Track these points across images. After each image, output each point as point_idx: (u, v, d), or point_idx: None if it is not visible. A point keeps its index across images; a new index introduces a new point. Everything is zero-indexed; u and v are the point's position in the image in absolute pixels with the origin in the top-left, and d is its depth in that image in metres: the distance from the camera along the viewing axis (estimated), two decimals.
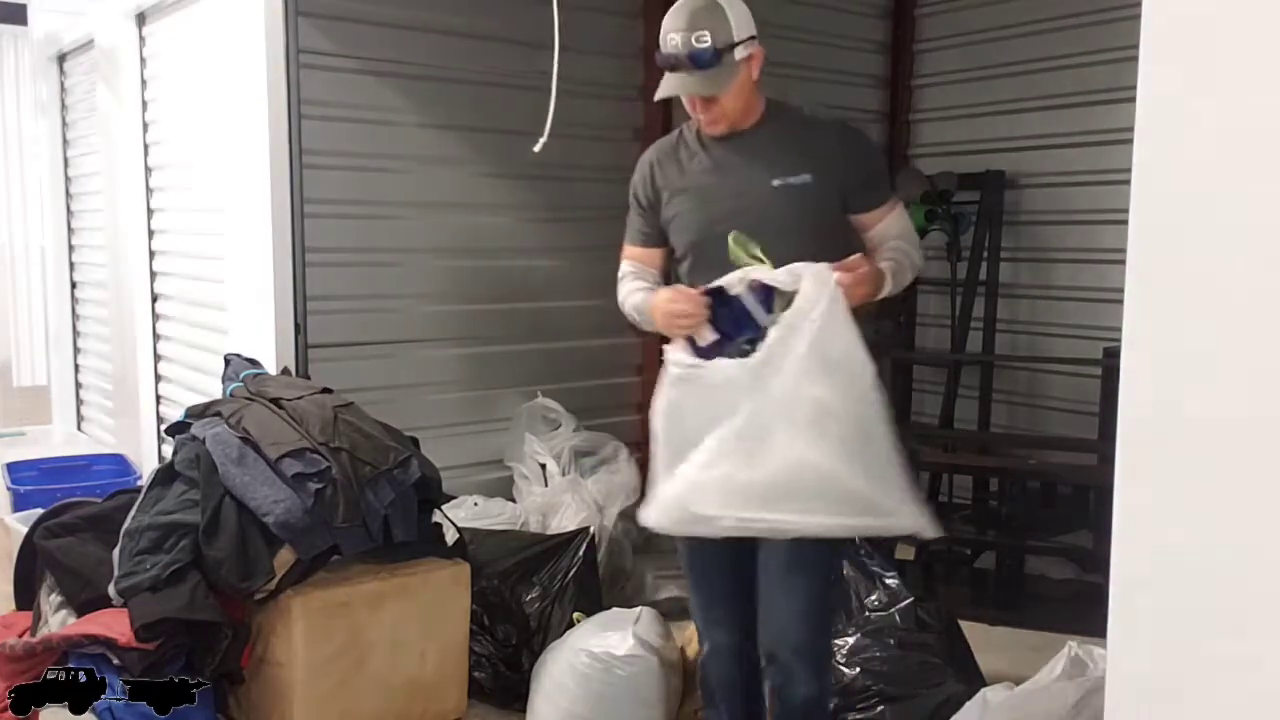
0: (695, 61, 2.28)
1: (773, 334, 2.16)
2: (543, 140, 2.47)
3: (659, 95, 2.35)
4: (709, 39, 2.27)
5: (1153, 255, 1.47)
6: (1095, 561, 4.12)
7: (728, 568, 2.50)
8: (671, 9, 2.34)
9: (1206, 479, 1.44)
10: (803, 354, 2.14)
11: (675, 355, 2.25)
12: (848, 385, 2.20)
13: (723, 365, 2.19)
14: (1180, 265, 1.44)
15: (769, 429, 2.13)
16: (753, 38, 2.34)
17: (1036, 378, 5.08)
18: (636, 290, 2.52)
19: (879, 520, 2.25)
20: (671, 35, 2.30)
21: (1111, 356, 4.16)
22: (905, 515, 2.26)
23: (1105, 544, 1.52)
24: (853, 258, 2.28)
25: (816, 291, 2.15)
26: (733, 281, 2.24)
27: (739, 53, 2.30)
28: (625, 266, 2.59)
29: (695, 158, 2.46)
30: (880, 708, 2.95)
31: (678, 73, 2.31)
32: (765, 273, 2.20)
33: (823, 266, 2.19)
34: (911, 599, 3.09)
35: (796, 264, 2.18)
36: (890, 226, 2.50)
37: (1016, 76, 5.00)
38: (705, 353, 2.27)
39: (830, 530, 2.22)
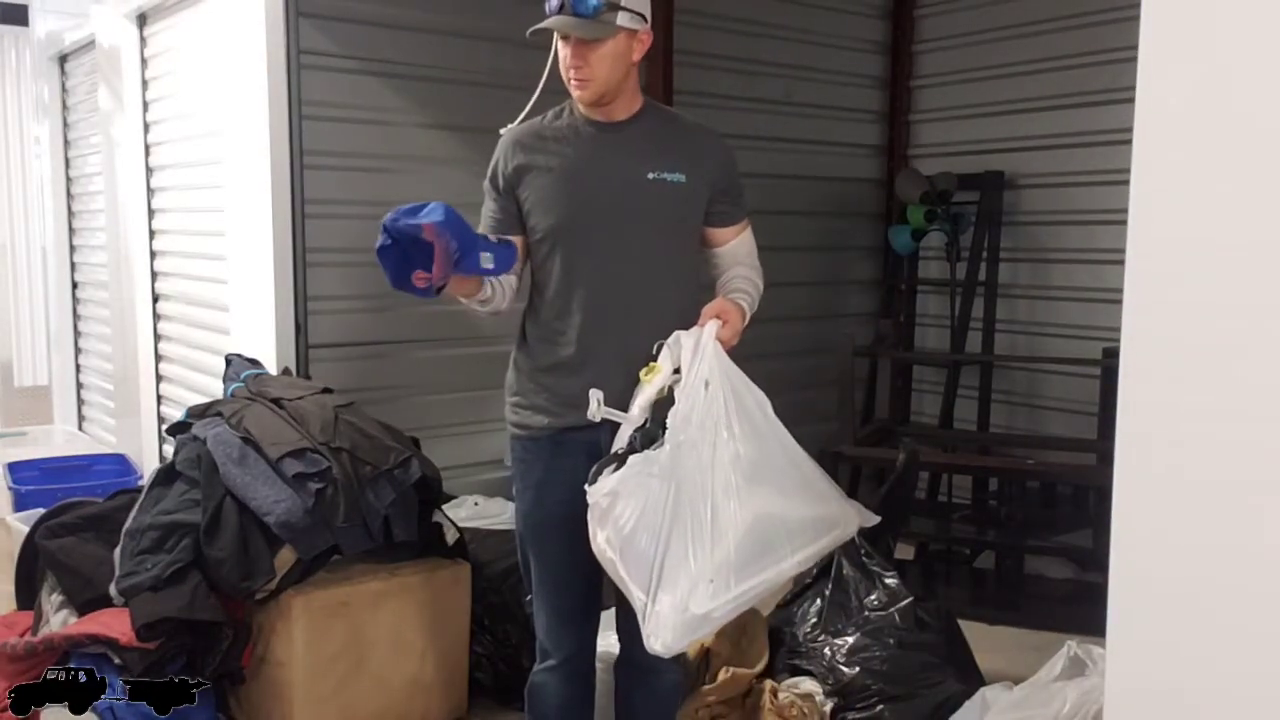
0: (576, 7, 2.23)
1: (671, 415, 2.16)
2: (512, 126, 2.45)
3: (531, 30, 2.28)
4: None
5: (1152, 255, 1.47)
6: (1095, 561, 4.12)
7: (586, 575, 2.42)
8: None
9: (1206, 479, 1.44)
10: (712, 420, 2.17)
11: (590, 489, 2.17)
12: (755, 424, 2.25)
13: (637, 466, 2.14)
14: (1180, 265, 1.45)
15: (713, 504, 2.16)
16: (644, 18, 2.31)
17: (1036, 378, 5.09)
18: None
19: (836, 531, 2.36)
20: None
21: (1111, 356, 4.17)
22: (851, 515, 2.37)
23: (1105, 544, 1.53)
24: (720, 305, 2.31)
25: (696, 356, 2.19)
26: (635, 418, 2.20)
27: (622, 18, 2.25)
28: None
29: (566, 141, 2.39)
30: (880, 707, 2.95)
31: (558, 16, 2.26)
32: (654, 383, 2.20)
33: (690, 331, 2.24)
34: (911, 599, 3.10)
35: (665, 347, 2.22)
36: (741, 247, 2.51)
37: (1016, 77, 5.01)
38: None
39: (805, 565, 2.30)
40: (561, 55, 2.31)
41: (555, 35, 2.30)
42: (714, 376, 2.19)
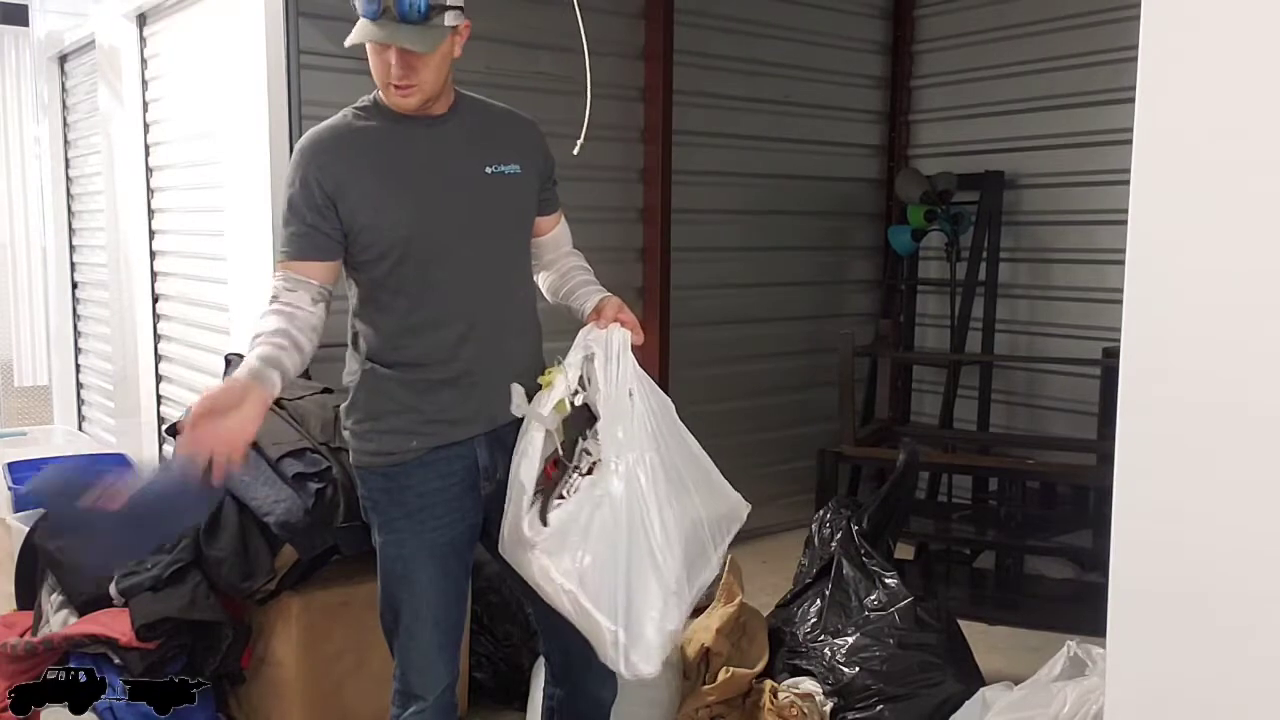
0: (403, 13, 2.01)
1: (603, 429, 2.08)
2: (580, 142, 2.39)
3: (351, 40, 2.05)
4: None
5: (1152, 255, 1.47)
6: (1095, 561, 4.12)
7: (459, 600, 2.31)
8: None
9: (1206, 478, 1.44)
10: (642, 430, 2.11)
11: (530, 528, 2.09)
12: (672, 429, 2.18)
13: (584, 491, 2.06)
14: (1180, 265, 1.45)
15: (660, 516, 2.09)
16: (461, 9, 2.12)
17: (1036, 378, 5.09)
18: (254, 350, 2.04)
19: (737, 523, 2.28)
20: None
21: (1111, 356, 4.17)
22: (742, 505, 2.29)
23: (1105, 544, 1.53)
24: (617, 306, 2.20)
25: (612, 364, 2.11)
26: (548, 418, 2.11)
27: (449, 17, 2.08)
28: (307, 291, 2.10)
29: (387, 143, 2.16)
30: (880, 707, 2.95)
31: (380, 22, 2.02)
32: (557, 386, 2.12)
33: (595, 337, 2.14)
34: (911, 599, 3.10)
35: (574, 352, 2.14)
36: (563, 233, 2.40)
37: (1016, 77, 5.00)
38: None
39: (722, 561, 2.25)
40: (378, 61, 2.09)
41: (365, 36, 2.05)
42: (635, 385, 2.12)
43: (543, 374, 2.16)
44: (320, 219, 2.11)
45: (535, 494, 2.11)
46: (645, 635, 2.07)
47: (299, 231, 2.12)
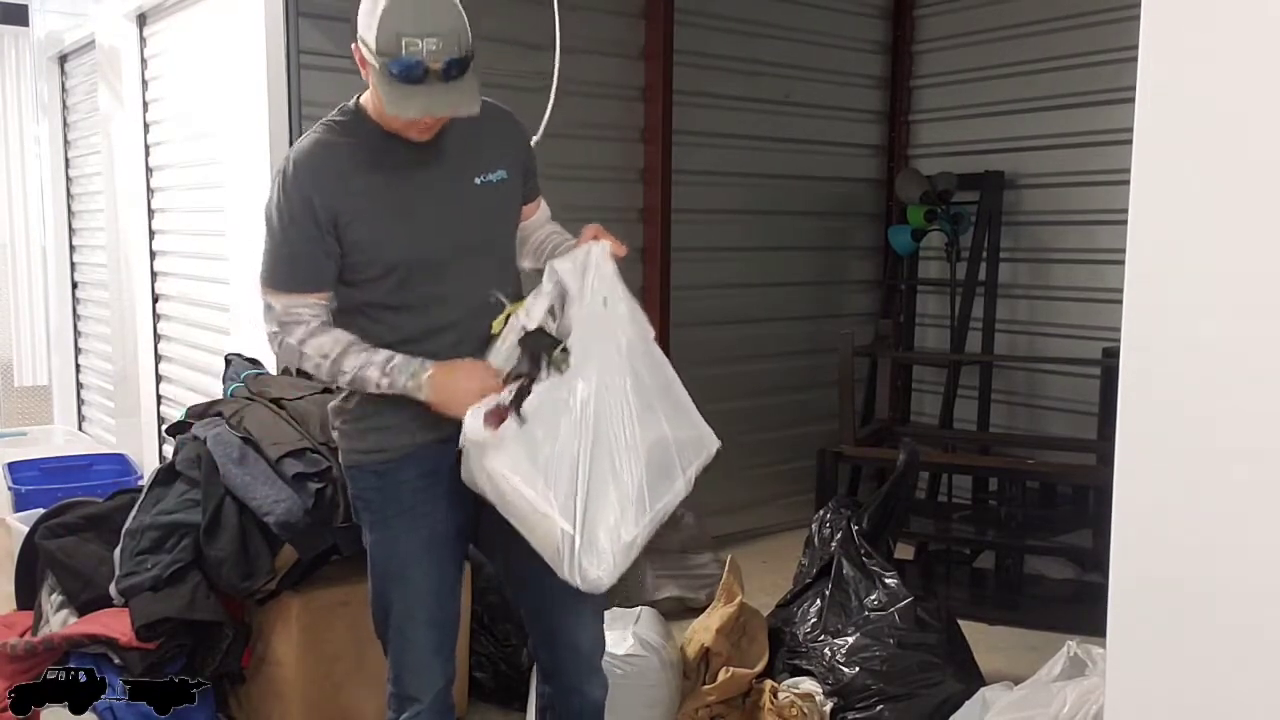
0: (449, 75, 1.99)
1: (573, 340, 2.07)
2: (535, 138, 2.42)
3: (401, 114, 2.02)
4: (466, 45, 2.03)
5: (1152, 255, 1.47)
6: (1095, 561, 4.12)
7: (454, 593, 2.29)
8: (388, 3, 2.01)
9: (1206, 479, 1.44)
10: (612, 340, 2.09)
11: (472, 425, 2.02)
12: (645, 346, 2.17)
13: (549, 390, 2.04)
14: (1180, 265, 1.45)
15: (624, 426, 2.08)
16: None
17: (1036, 378, 5.09)
18: (374, 358, 2.10)
19: (705, 451, 2.25)
20: (419, 40, 1.98)
21: (1111, 356, 4.17)
22: (711, 436, 2.27)
23: (1105, 544, 1.53)
24: (590, 227, 2.20)
25: (588, 274, 2.11)
26: (510, 348, 2.10)
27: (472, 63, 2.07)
28: (319, 324, 2.12)
29: (381, 163, 2.13)
30: (879, 707, 2.95)
31: (425, 85, 1.98)
32: (527, 313, 2.10)
33: (570, 255, 2.14)
34: (911, 598, 3.10)
35: (549, 273, 2.12)
36: (543, 214, 2.41)
37: (1016, 77, 5.00)
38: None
39: (689, 485, 2.20)
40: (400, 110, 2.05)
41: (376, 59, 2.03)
42: (611, 293, 2.12)
43: (498, 320, 2.15)
44: (321, 242, 2.10)
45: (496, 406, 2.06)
46: (598, 540, 2.03)
47: (298, 257, 2.11)
